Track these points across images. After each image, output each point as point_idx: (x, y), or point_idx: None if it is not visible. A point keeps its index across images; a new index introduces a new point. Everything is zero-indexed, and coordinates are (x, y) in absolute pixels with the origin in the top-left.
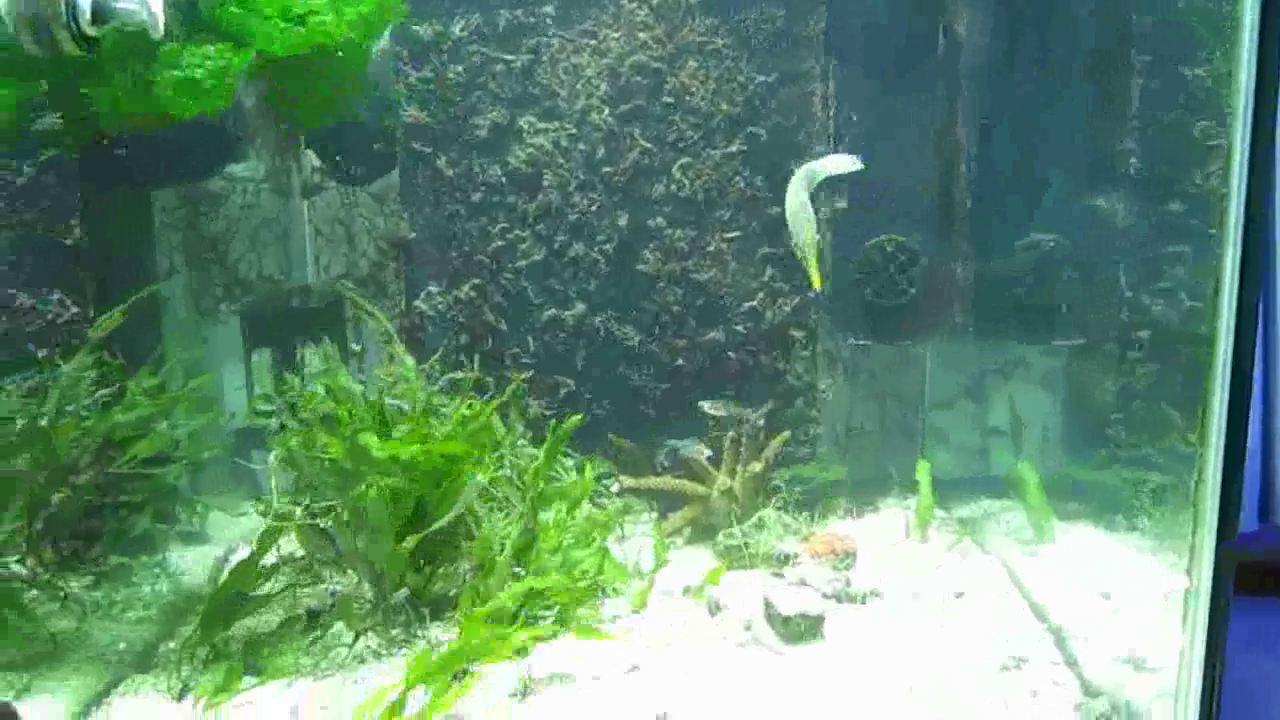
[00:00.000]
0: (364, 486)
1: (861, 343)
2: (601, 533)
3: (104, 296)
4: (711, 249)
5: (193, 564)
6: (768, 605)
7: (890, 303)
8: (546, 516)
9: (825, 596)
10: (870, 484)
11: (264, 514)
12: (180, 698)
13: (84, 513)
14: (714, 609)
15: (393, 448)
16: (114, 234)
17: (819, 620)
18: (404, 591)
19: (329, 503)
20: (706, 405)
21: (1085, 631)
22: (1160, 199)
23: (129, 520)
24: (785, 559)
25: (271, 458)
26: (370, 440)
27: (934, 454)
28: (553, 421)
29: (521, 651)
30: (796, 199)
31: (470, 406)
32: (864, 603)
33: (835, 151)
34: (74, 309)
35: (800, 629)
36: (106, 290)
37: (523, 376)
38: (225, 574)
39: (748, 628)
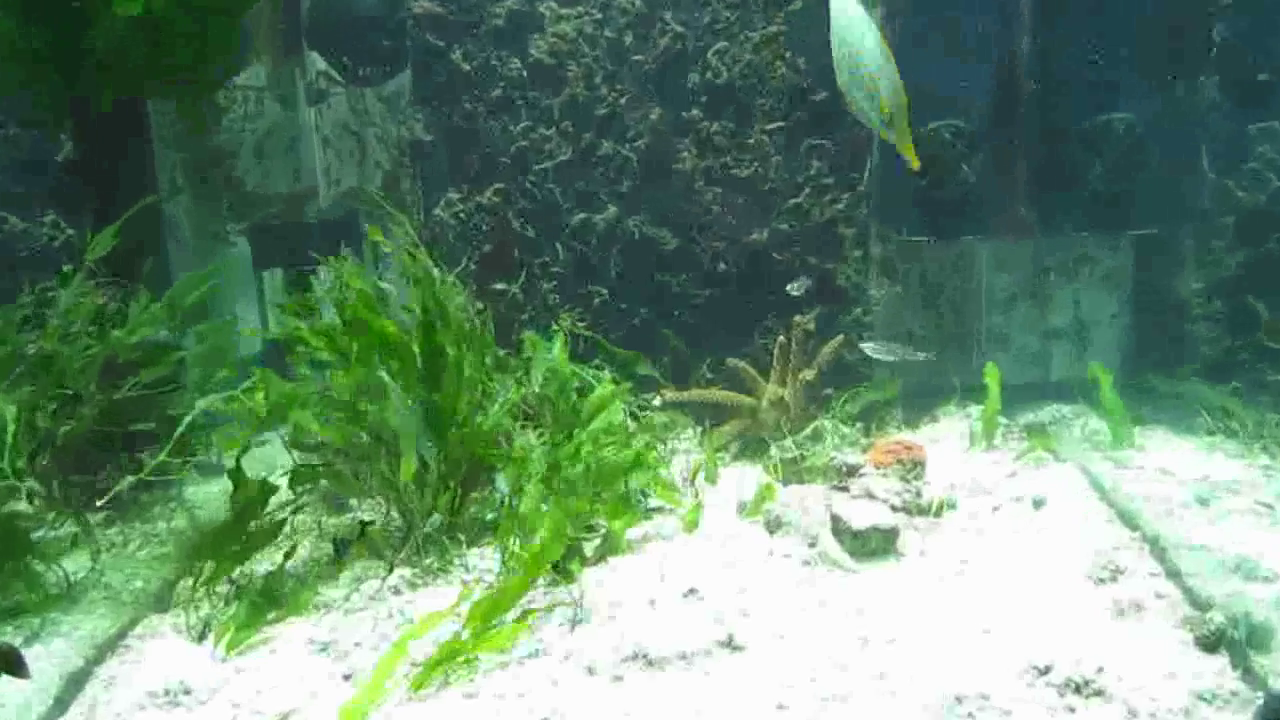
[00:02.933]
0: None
1: (915, 239)
2: (646, 447)
3: (103, 219)
4: (752, 142)
5: (211, 497)
6: (835, 520)
7: (948, 194)
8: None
9: (895, 509)
10: (926, 391)
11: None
12: (201, 638)
13: (94, 445)
14: (773, 526)
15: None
16: (110, 150)
17: (893, 534)
18: (436, 518)
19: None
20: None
21: (1184, 540)
22: (1247, 69)
23: (141, 452)
24: (848, 470)
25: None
26: (370, 317)
27: (992, 359)
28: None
29: (566, 576)
30: (861, 40)
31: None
32: (938, 515)
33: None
34: (69, 231)
35: (872, 544)
36: (105, 212)
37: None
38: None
39: (812, 544)
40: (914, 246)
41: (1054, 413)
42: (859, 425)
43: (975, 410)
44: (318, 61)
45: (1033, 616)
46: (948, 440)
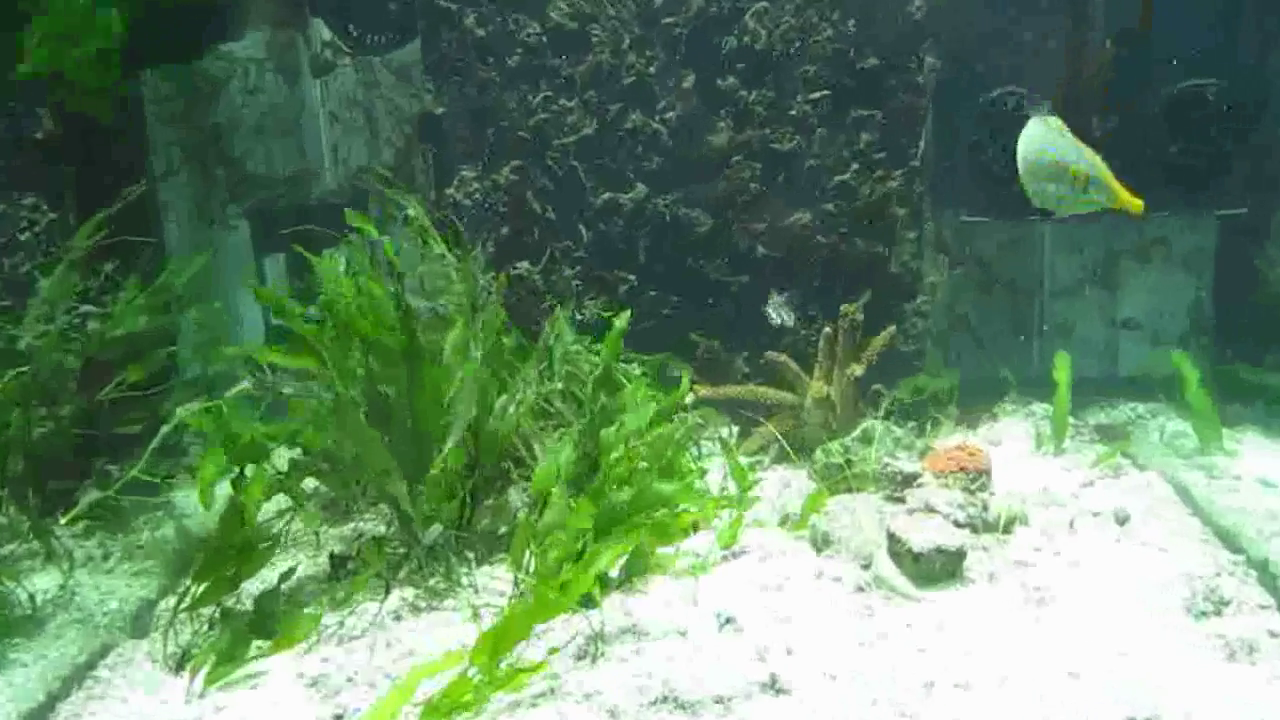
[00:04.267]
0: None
1: (974, 219)
2: (677, 452)
3: (89, 202)
4: (794, 113)
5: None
6: (893, 538)
7: (1011, 170)
8: (609, 434)
9: (958, 525)
10: (982, 387)
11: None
12: (179, 669)
13: (72, 449)
14: (820, 543)
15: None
16: (95, 127)
17: (959, 556)
18: (436, 529)
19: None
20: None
21: None
22: None
23: (125, 456)
24: (903, 479)
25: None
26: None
27: (1054, 352)
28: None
29: (589, 602)
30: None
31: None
32: (1007, 531)
33: None
34: (51, 215)
35: (935, 567)
36: (91, 194)
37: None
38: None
39: (865, 565)
40: (968, 227)
41: (1128, 412)
42: (911, 425)
43: (1039, 408)
44: (322, 30)
45: (1127, 657)
46: (1010, 442)
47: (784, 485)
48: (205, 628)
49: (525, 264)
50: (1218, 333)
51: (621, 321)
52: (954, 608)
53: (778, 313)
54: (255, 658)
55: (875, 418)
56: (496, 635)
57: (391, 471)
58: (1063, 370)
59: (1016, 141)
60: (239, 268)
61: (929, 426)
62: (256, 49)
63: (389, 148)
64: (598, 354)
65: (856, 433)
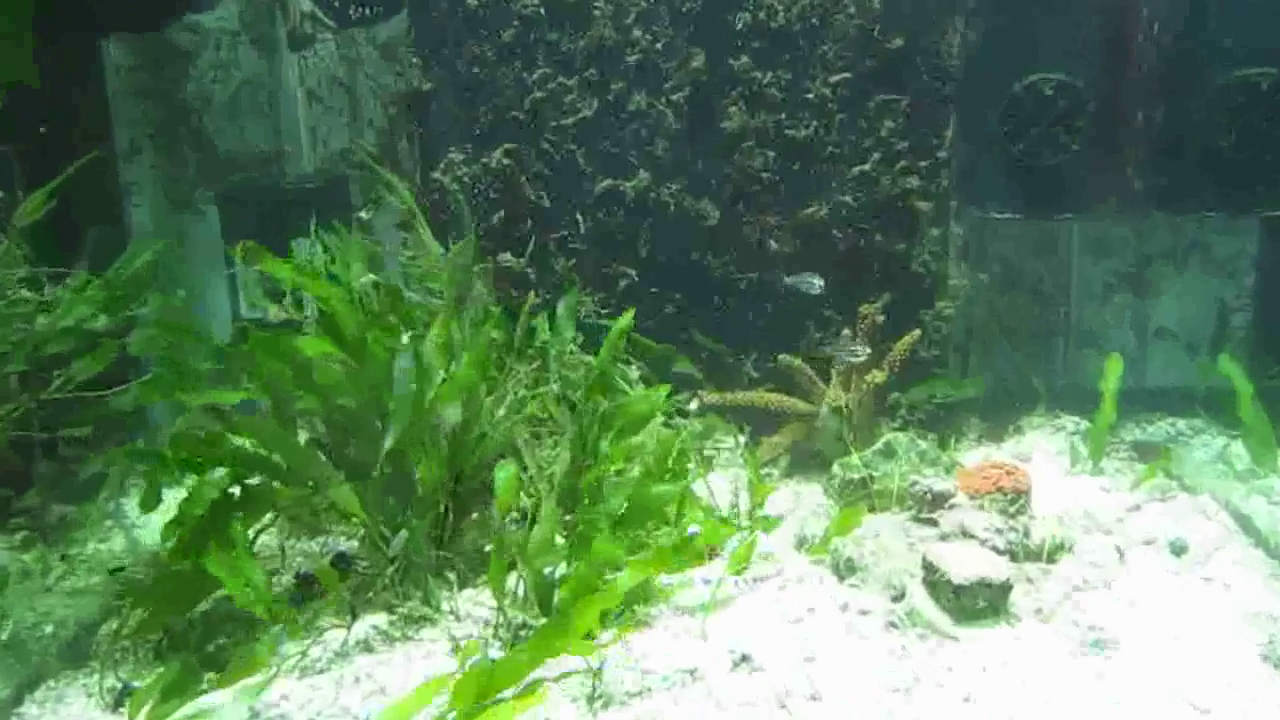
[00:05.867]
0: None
1: (1004, 216)
2: (679, 464)
3: (42, 180)
4: (812, 97)
5: (158, 516)
6: (930, 567)
7: (1046, 162)
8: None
9: (998, 551)
10: (1003, 399)
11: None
12: (117, 705)
13: (12, 452)
14: (843, 569)
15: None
16: (52, 98)
17: (1004, 590)
18: (401, 536)
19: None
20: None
21: None
22: None
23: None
24: (933, 498)
25: None
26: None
27: (1082, 361)
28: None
29: (589, 637)
30: None
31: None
32: (1051, 561)
33: None
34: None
35: (977, 602)
36: (44, 173)
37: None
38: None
39: (896, 597)
40: (990, 225)
41: (1166, 428)
42: (931, 437)
43: (1069, 421)
44: (301, 1)
45: (1202, 715)
46: (1040, 459)
47: (797, 501)
48: (151, 657)
49: (514, 255)
50: (1261, 344)
51: (625, 320)
52: (1000, 650)
53: (801, 283)
54: (205, 691)
55: (892, 428)
56: (481, 682)
57: (331, 478)
58: (1112, 378)
59: (1049, 133)
60: (209, 256)
61: (953, 440)
62: (229, 19)
63: (371, 129)
64: (597, 354)
65: (878, 445)
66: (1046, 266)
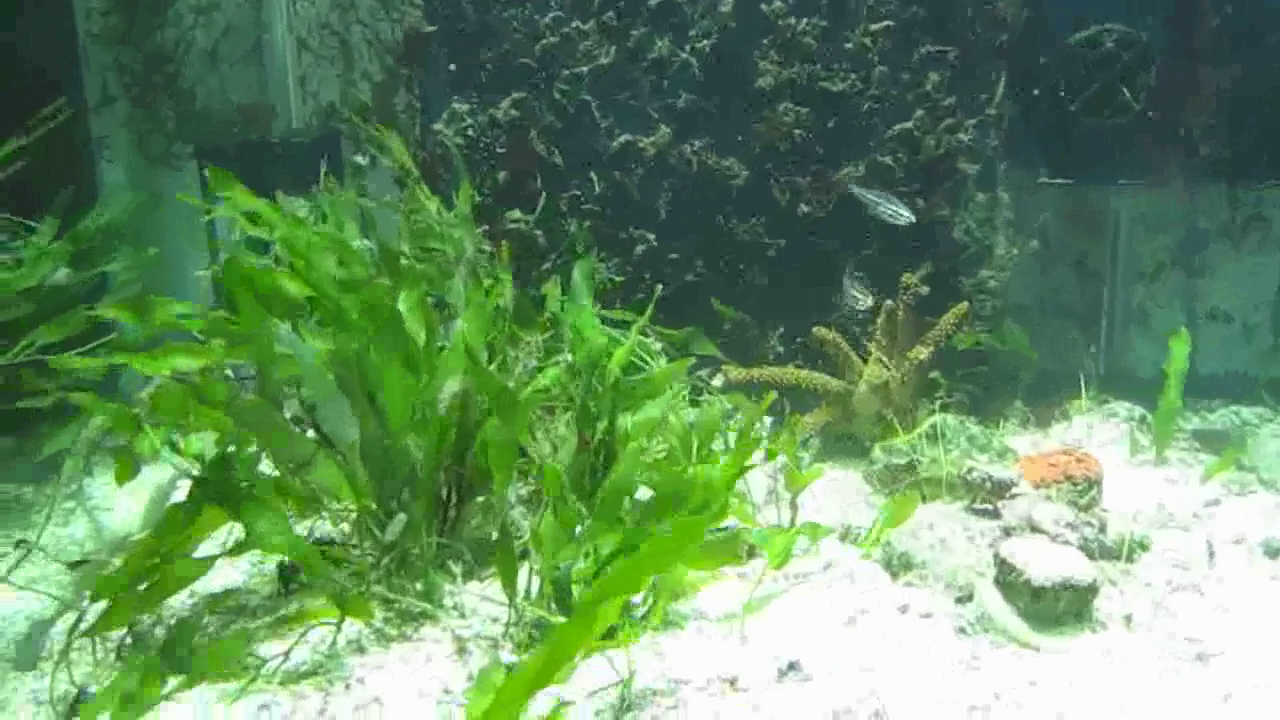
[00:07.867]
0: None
1: (1056, 181)
2: (705, 442)
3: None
4: (850, 46)
5: (126, 495)
6: (1005, 566)
7: (1104, 122)
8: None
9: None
10: (1047, 381)
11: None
12: (70, 715)
13: None
14: (897, 566)
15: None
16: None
17: (1089, 593)
18: (400, 520)
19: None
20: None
21: None
22: None
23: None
24: (993, 487)
25: None
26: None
27: (1131, 342)
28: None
29: (609, 637)
30: None
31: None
32: (1130, 561)
33: None
34: None
35: (1059, 606)
36: (6, 123)
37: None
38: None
39: (962, 598)
40: (1031, 192)
41: (1230, 416)
42: (972, 419)
43: (1120, 407)
44: None
45: None
46: (1094, 447)
47: (832, 488)
48: (112, 658)
49: (523, 215)
50: None
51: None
52: (1088, 661)
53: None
54: (170, 695)
55: (930, 410)
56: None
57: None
58: (1178, 359)
59: (1109, 90)
60: (186, 215)
61: (999, 423)
62: None
63: (365, 82)
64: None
65: (924, 427)
66: (1092, 239)
